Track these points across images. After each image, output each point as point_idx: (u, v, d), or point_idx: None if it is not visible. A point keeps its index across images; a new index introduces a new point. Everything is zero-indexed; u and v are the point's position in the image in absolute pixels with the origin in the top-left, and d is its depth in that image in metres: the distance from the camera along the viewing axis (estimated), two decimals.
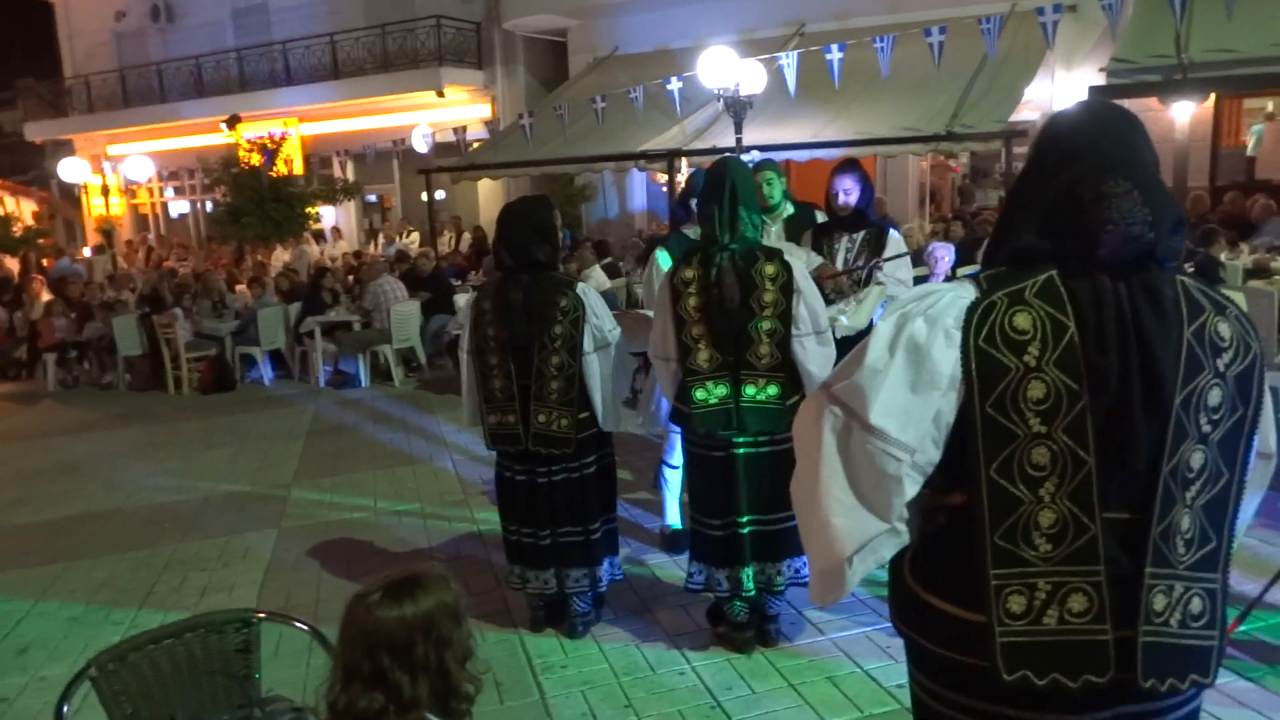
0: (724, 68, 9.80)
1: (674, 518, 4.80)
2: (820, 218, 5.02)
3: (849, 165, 4.76)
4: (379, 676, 1.63)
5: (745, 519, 3.56)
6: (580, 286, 3.78)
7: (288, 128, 17.53)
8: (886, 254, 4.62)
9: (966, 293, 1.51)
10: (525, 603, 4.05)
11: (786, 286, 3.43)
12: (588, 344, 3.71)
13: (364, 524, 5.63)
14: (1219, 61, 9.21)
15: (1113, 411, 1.45)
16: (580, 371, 3.71)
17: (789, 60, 10.20)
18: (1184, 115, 10.00)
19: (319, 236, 17.93)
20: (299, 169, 17.55)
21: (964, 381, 1.47)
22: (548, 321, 3.67)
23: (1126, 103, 11.49)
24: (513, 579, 3.97)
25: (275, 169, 15.75)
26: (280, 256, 15.77)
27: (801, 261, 3.66)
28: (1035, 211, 1.52)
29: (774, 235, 4.89)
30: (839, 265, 4.65)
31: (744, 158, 9.65)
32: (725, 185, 3.45)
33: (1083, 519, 1.45)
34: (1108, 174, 1.46)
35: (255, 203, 15.31)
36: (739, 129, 9.92)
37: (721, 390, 3.49)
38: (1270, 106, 12.96)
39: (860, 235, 4.67)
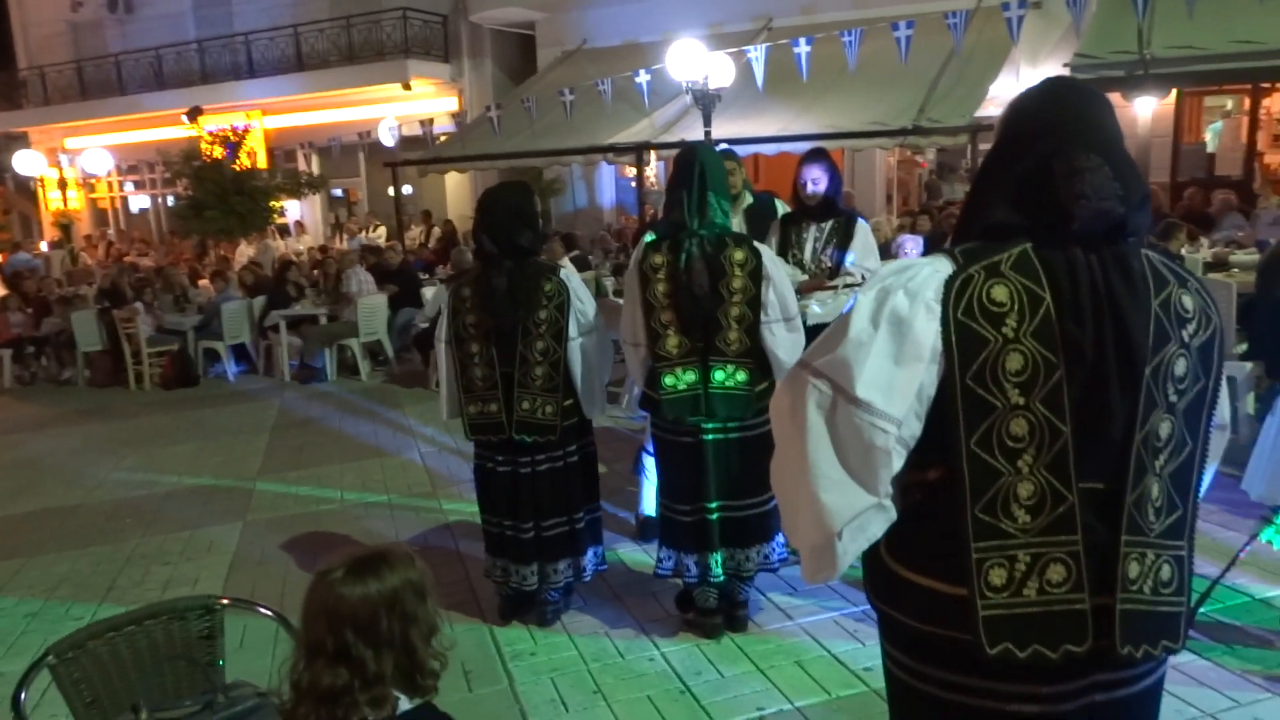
0: (692, 61, 9.82)
1: (651, 506, 4.79)
2: (781, 207, 5.04)
3: (817, 154, 4.77)
4: (343, 652, 1.61)
5: (714, 504, 3.57)
6: (563, 271, 3.76)
7: (250, 120, 17.29)
8: (855, 242, 4.64)
9: (944, 266, 1.51)
10: (494, 592, 4.01)
11: (756, 272, 3.43)
12: (573, 329, 3.68)
13: (331, 516, 5.57)
14: (1180, 58, 9.37)
15: (1088, 382, 1.46)
16: (565, 357, 3.68)
17: (757, 54, 10.23)
18: (1146, 111, 10.17)
19: (283, 231, 17.72)
20: (262, 162, 17.31)
21: (944, 354, 1.47)
22: (533, 306, 3.62)
23: None
24: (494, 572, 3.90)
25: (238, 162, 15.54)
26: (244, 251, 15.57)
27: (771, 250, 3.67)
28: (1008, 186, 1.53)
29: (735, 225, 4.89)
30: (806, 254, 4.66)
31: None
32: (694, 170, 3.44)
33: (1060, 489, 1.46)
34: (1080, 149, 1.47)
35: (218, 196, 15.09)
36: (707, 122, 9.95)
37: (690, 376, 3.49)
38: (1229, 104, 13.22)
39: (829, 224, 4.68)
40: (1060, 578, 1.47)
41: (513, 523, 3.78)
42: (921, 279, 1.50)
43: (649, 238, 4.30)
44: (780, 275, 3.52)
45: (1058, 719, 1.53)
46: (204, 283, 12.33)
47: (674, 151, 11.71)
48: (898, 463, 1.52)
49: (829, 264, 4.66)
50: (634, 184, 13.47)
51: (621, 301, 3.86)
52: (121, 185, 23.31)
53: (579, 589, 4.10)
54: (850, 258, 4.63)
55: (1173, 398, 1.49)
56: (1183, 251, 7.93)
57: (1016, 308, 1.45)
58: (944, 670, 1.56)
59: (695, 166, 3.44)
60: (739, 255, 3.43)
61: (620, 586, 4.22)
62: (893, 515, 1.59)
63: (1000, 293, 1.46)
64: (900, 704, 1.71)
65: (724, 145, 9.14)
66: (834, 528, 1.57)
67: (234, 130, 15.76)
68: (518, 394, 3.65)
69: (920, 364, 1.48)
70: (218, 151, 15.49)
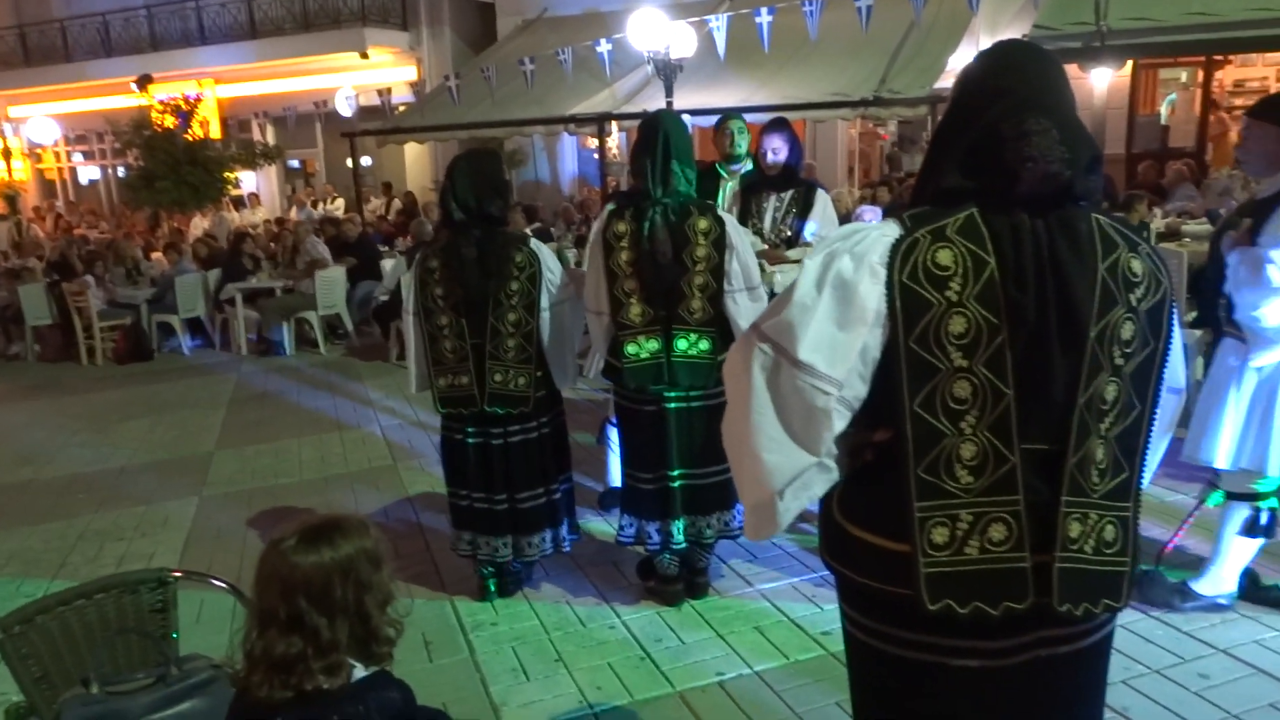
0: (654, 31, 9.74)
1: (616, 477, 4.78)
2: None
3: (777, 124, 4.76)
4: (296, 620, 1.60)
5: (676, 472, 3.58)
6: (533, 241, 3.72)
7: (203, 89, 16.89)
8: (814, 212, 4.64)
9: (892, 231, 1.52)
10: (472, 570, 3.92)
11: (719, 241, 3.43)
12: (544, 300, 3.65)
13: (289, 490, 5.52)
14: (1136, 29, 9.45)
15: (1030, 345, 1.47)
16: (537, 328, 3.64)
17: (719, 23, 10.16)
18: (1102, 83, 10.27)
19: (239, 203, 17.39)
20: (216, 132, 16.93)
21: (889, 317, 1.49)
22: (504, 277, 3.57)
23: None
24: (461, 545, 3.84)
25: (190, 132, 15.18)
26: (199, 223, 15.26)
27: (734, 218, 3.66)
28: (959, 150, 1.54)
29: (729, 190, 4.86)
30: (766, 223, 4.67)
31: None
32: (659, 138, 3.40)
33: (1002, 450, 1.49)
34: (1029, 112, 1.48)
35: (170, 167, 14.74)
36: (669, 92, 9.90)
37: (653, 345, 3.48)
38: (1184, 77, 13.38)
39: (788, 194, 4.69)
40: (1001, 536, 1.50)
41: (484, 495, 3.74)
42: (868, 243, 1.51)
43: (610, 207, 4.28)
44: (744, 244, 3.52)
45: (1002, 673, 1.56)
46: (157, 255, 12.08)
47: (636, 122, 11.64)
48: (839, 423, 1.54)
49: (789, 233, 4.67)
50: (596, 155, 13.37)
51: (586, 270, 3.83)
52: (69, 155, 22.70)
53: (541, 560, 4.10)
54: (810, 227, 4.64)
55: (1119, 361, 1.51)
56: (1149, 223, 8.07)
57: (961, 271, 1.46)
58: (892, 626, 1.59)
59: (659, 134, 3.41)
60: (703, 224, 3.42)
61: (582, 556, 4.22)
62: (835, 475, 1.61)
63: (945, 256, 1.47)
64: (854, 659, 1.74)
65: (684, 118, 9.13)
66: (775, 486, 1.60)
67: (186, 99, 15.38)
68: (490, 366, 3.61)
69: (864, 327, 1.50)
70: (169, 121, 15.12)
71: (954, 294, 1.46)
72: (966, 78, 1.60)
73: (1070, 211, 1.50)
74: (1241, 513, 3.28)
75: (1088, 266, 1.48)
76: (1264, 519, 3.24)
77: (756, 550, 4.12)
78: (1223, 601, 3.40)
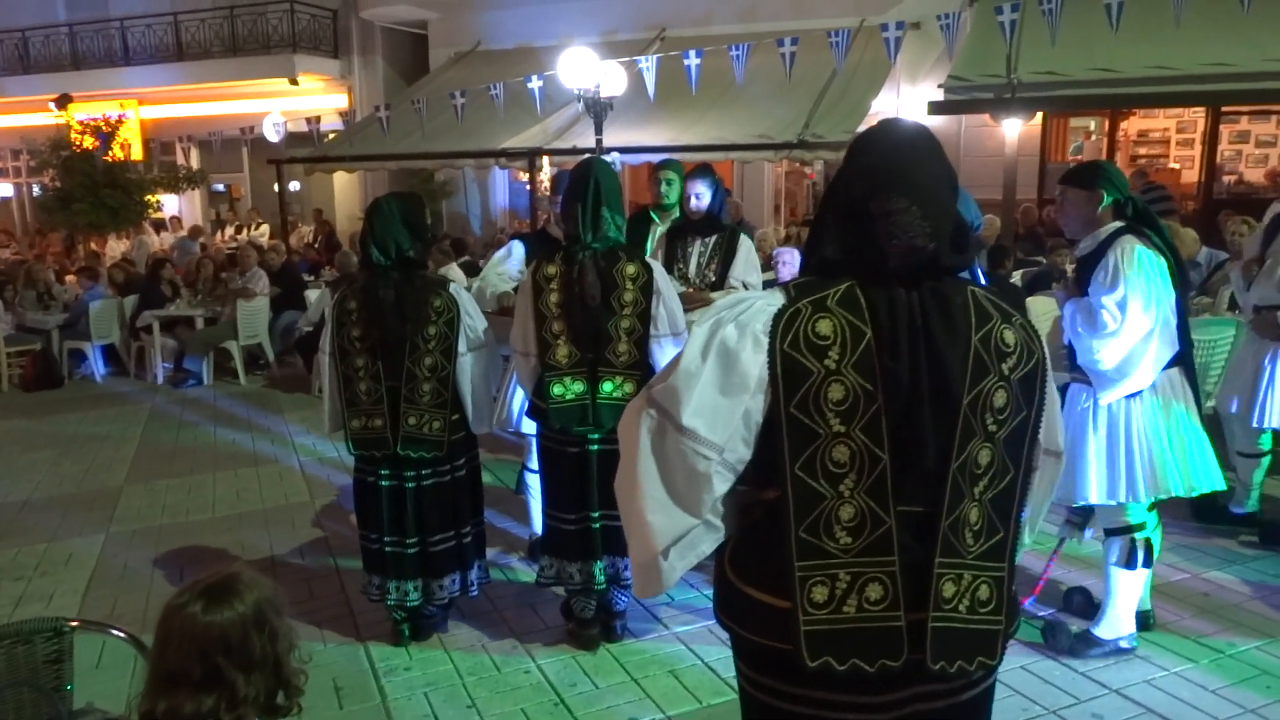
0: (584, 68, 9.85)
1: (539, 525, 4.75)
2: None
3: (701, 170, 4.87)
4: (213, 678, 1.60)
5: (597, 514, 3.61)
6: (453, 286, 3.74)
7: (125, 110, 16.49)
8: (738, 257, 4.75)
9: (776, 300, 1.59)
10: (384, 616, 3.90)
11: (647, 287, 3.51)
12: (462, 345, 3.66)
13: (201, 527, 5.39)
14: (1044, 83, 9.90)
15: (905, 412, 1.55)
16: (454, 373, 3.65)
17: (648, 64, 10.33)
18: (1014, 132, 10.69)
19: (160, 226, 16.97)
20: (137, 154, 16.54)
21: (770, 384, 1.55)
22: (422, 321, 3.59)
23: (964, 117, 12.26)
24: (371, 590, 3.82)
25: (111, 153, 14.81)
26: (115, 247, 14.84)
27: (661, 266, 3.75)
28: (835, 224, 1.63)
29: (656, 235, 4.98)
30: (691, 268, 4.75)
31: (605, 159, 9.71)
32: (589, 184, 3.49)
33: (879, 512, 1.55)
34: (892, 191, 1.56)
35: (88, 188, 14.35)
36: (599, 130, 10.00)
37: (579, 386, 3.53)
38: (1091, 126, 14.01)
39: (712, 239, 4.79)
40: (878, 596, 1.56)
41: (395, 539, 3.72)
42: (752, 312, 1.58)
43: (517, 243, 4.32)
44: (670, 291, 3.61)
45: None
46: (71, 279, 11.71)
47: (568, 159, 11.76)
48: (721, 486, 1.61)
49: (713, 278, 4.76)
50: (528, 187, 13.41)
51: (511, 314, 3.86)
52: None
53: (457, 602, 4.07)
54: (733, 273, 4.75)
55: (992, 427, 1.58)
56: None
57: (839, 341, 1.54)
58: (779, 681, 1.64)
59: (590, 181, 3.50)
60: (631, 269, 3.50)
61: (499, 599, 4.21)
62: (721, 534, 1.68)
63: (825, 326, 1.54)
64: (748, 713, 1.79)
65: (613, 156, 9.24)
66: (658, 547, 1.65)
67: (106, 120, 15.01)
68: (404, 409, 3.61)
69: (746, 394, 1.56)
70: (88, 141, 14.74)
71: (832, 362, 1.53)
72: (848, 154, 1.69)
73: (945, 284, 1.58)
74: (1118, 546, 3.45)
75: (960, 337, 1.56)
76: (1140, 550, 3.41)
77: (673, 592, 4.16)
78: (1124, 645, 3.52)
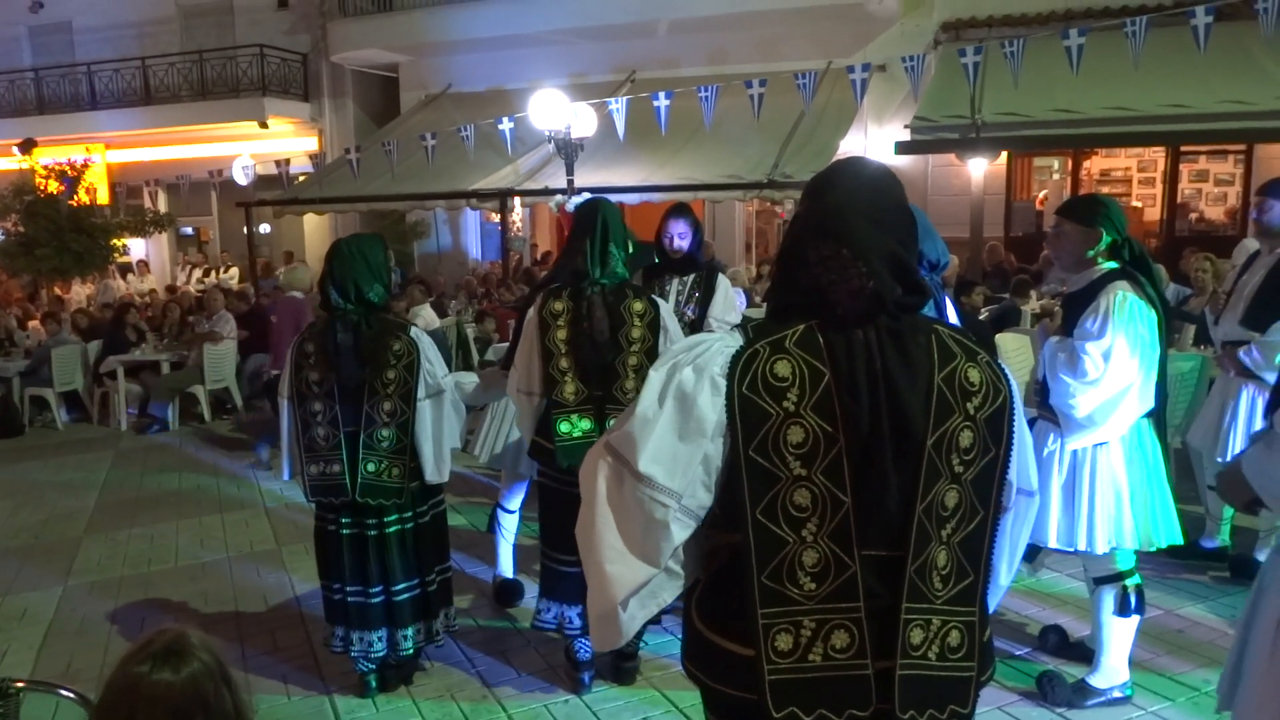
0: (554, 110, 9.92)
1: (507, 567, 4.67)
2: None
3: (681, 210, 4.85)
4: None
5: None
6: (413, 330, 3.67)
7: (91, 154, 16.38)
8: (716, 297, 4.74)
9: (734, 342, 1.56)
10: (350, 667, 3.78)
11: (654, 323, 3.50)
12: (421, 390, 3.59)
13: (163, 578, 5.25)
14: (1008, 123, 10.08)
15: (866, 453, 1.51)
16: (413, 418, 3.58)
17: (618, 106, 10.42)
18: (979, 171, 10.85)
19: (126, 270, 16.80)
20: (104, 198, 16.40)
21: (729, 427, 1.52)
22: (380, 365, 3.52)
23: (930, 157, 12.44)
24: (335, 641, 3.70)
25: (76, 198, 14.68)
26: (79, 291, 14.66)
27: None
28: (788, 269, 1.61)
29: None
30: (670, 305, 4.74)
31: (574, 200, 9.75)
32: (597, 222, 3.51)
33: (843, 557, 1.51)
34: (820, 237, 1.56)
35: (52, 233, 14.19)
36: (570, 170, 10.05)
37: (586, 424, 3.48)
38: (1055, 165, 14.28)
39: (691, 278, 4.78)
40: (844, 643, 1.52)
41: (358, 588, 3.61)
42: (709, 355, 1.55)
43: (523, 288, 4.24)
44: (676, 328, 3.61)
45: None
46: (34, 324, 11.54)
47: (538, 199, 11.77)
48: (680, 533, 1.56)
49: (691, 317, 4.75)
50: (500, 229, 13.43)
51: (514, 352, 3.79)
52: None
53: (427, 650, 3.98)
54: (712, 312, 4.74)
55: (959, 468, 1.55)
56: (1026, 308, 8.53)
57: (798, 382, 1.51)
58: None
59: (598, 219, 3.52)
60: (638, 306, 3.50)
61: (469, 646, 4.12)
62: (682, 581, 1.63)
63: (783, 368, 1.51)
64: None
65: (584, 197, 9.26)
66: (617, 598, 1.60)
67: (72, 165, 14.90)
68: (363, 455, 3.53)
69: (704, 438, 1.53)
70: (53, 186, 14.60)
71: (791, 404, 1.50)
72: (800, 199, 1.68)
73: (903, 323, 1.55)
74: (1110, 595, 3.40)
75: (920, 376, 1.52)
76: (1133, 597, 3.36)
77: (646, 636, 4.09)
78: (1117, 695, 3.45)
